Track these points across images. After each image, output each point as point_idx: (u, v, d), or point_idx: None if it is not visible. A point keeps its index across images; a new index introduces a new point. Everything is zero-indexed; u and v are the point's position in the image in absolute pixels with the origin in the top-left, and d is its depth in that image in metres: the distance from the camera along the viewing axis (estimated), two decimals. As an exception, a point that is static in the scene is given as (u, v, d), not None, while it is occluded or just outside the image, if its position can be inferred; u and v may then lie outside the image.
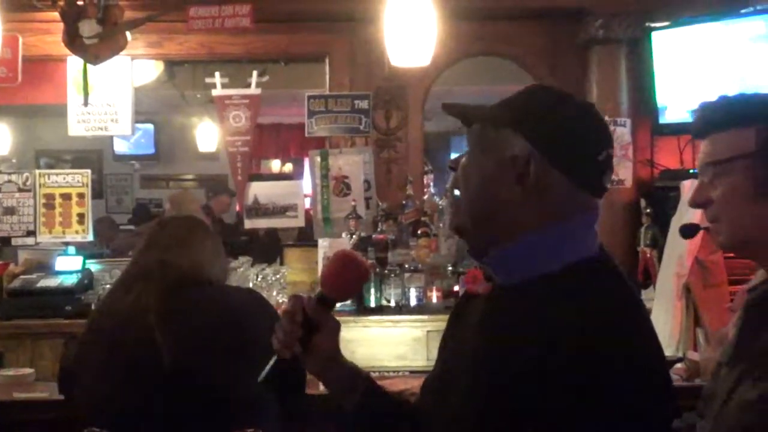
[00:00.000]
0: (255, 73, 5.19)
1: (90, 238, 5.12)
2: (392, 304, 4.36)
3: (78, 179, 5.05)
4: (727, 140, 1.48)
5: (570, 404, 1.22)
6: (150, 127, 10.30)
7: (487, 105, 1.46)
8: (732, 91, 1.57)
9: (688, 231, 1.69)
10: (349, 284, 1.51)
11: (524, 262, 1.35)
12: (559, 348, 1.23)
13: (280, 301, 4.40)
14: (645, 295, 4.40)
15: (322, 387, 3.32)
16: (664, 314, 3.81)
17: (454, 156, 1.48)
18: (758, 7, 4.38)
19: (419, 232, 4.55)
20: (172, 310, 2.27)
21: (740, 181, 1.44)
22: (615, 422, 1.24)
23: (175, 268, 2.36)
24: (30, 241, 5.02)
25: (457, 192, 1.45)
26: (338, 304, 1.57)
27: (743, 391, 1.34)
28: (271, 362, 1.47)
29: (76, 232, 5.02)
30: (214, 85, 5.19)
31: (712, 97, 1.55)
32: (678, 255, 3.96)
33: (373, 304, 4.34)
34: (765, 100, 1.54)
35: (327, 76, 5.22)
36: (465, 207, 1.42)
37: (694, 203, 1.54)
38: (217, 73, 5.18)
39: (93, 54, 4.53)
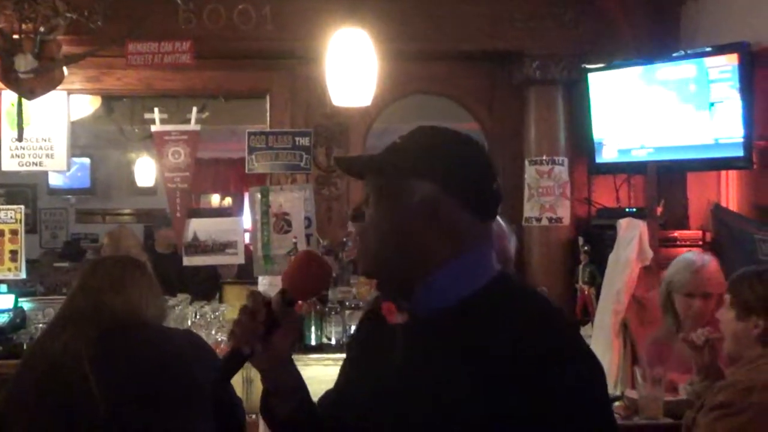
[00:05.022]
0: (195, 109, 5.15)
1: (23, 275, 4.99)
2: (333, 341, 4.33)
3: (11, 215, 4.93)
4: None
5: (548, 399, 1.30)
6: (86, 161, 10.13)
7: (375, 155, 1.50)
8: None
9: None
10: (311, 282, 1.51)
11: (445, 291, 1.42)
12: (529, 347, 1.32)
13: (219, 339, 4.33)
14: (583, 332, 4.45)
15: (261, 430, 3.25)
16: (602, 351, 3.85)
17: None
18: (689, 52, 4.51)
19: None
20: (106, 356, 2.21)
21: None
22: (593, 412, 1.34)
23: (108, 312, 2.30)
24: (-40, 278, 4.88)
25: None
26: None
27: None
28: (227, 357, 1.46)
29: (9, 269, 4.89)
30: (153, 121, 5.13)
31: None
32: (615, 292, 4.01)
33: (313, 342, 4.31)
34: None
35: (267, 113, 5.21)
36: (378, 253, 1.47)
37: None
38: (156, 109, 5.12)
39: (28, 88, 4.45)
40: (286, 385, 1.53)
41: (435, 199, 1.41)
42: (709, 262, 3.38)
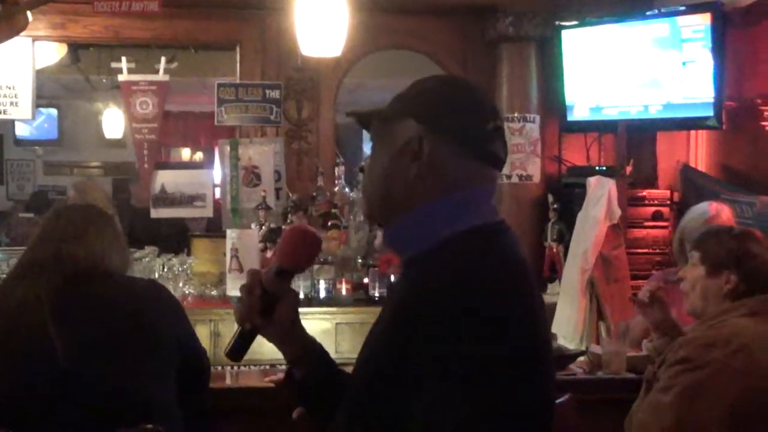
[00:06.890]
0: (163, 59, 5.07)
1: (-14, 226, 4.93)
2: (301, 296, 4.32)
3: (-26, 165, 4.85)
4: None
5: (428, 361, 1.26)
6: (53, 111, 9.97)
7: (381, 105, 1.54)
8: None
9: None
10: (305, 256, 1.59)
11: (419, 232, 1.42)
12: (427, 307, 1.29)
13: (186, 292, 4.31)
14: (551, 289, 4.50)
15: (228, 381, 3.26)
16: (569, 308, 3.89)
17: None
18: (662, 10, 4.50)
19: (329, 224, 4.51)
20: (67, 305, 2.17)
21: None
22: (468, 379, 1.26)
23: (70, 260, 2.25)
24: None
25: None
26: None
27: None
28: (235, 334, 1.54)
29: (-28, 219, 4.82)
30: (120, 70, 5.04)
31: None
32: (583, 250, 4.04)
33: (281, 296, 4.29)
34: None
35: (237, 65, 5.14)
36: (372, 196, 1.51)
37: None
38: (123, 58, 5.03)
39: (-9, 34, 4.34)
40: (297, 352, 1.60)
41: (420, 137, 1.42)
42: (722, 212, 3.38)
